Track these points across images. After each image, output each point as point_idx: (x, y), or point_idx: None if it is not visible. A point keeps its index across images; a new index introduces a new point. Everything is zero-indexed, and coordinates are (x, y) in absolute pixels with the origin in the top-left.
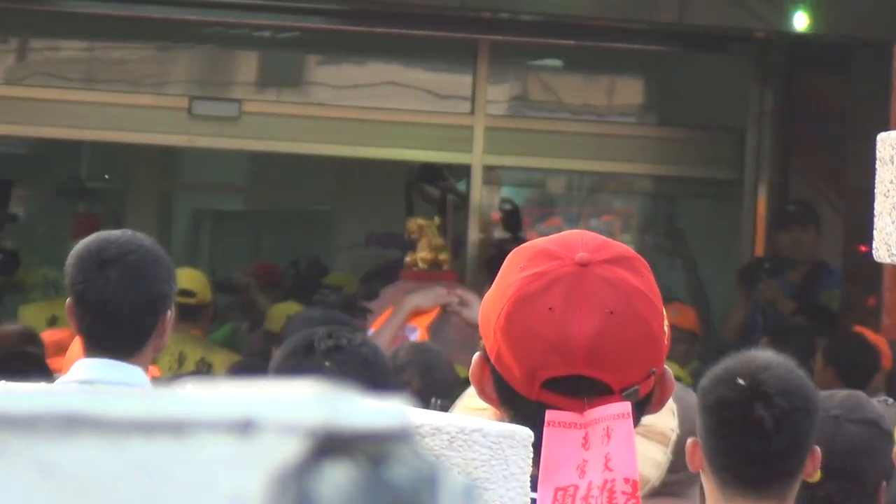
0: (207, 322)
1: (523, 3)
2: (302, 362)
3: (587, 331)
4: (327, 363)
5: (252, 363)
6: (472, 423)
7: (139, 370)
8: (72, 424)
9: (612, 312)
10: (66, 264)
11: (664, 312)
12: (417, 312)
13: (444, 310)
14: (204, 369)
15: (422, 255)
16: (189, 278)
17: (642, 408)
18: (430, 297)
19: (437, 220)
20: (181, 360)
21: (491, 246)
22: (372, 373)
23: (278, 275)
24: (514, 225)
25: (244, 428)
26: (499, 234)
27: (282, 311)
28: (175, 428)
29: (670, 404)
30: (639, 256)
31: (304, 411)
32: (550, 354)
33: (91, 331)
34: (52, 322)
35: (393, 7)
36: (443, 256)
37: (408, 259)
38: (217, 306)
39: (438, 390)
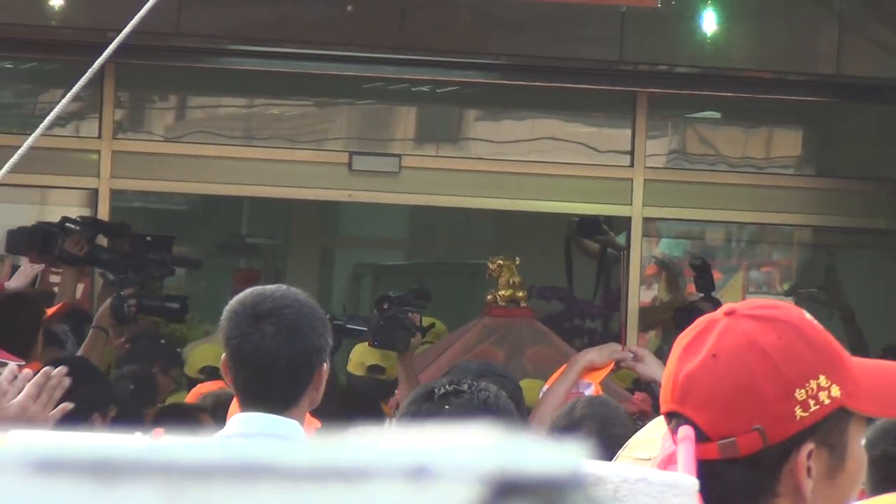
0: None
1: (681, 55)
2: (421, 408)
3: (685, 369)
4: (446, 407)
5: None
6: (637, 473)
7: (296, 424)
8: (247, 474)
9: (714, 355)
10: (220, 320)
11: (803, 383)
12: (591, 368)
13: (619, 365)
14: None
15: (501, 292)
16: None
17: (771, 472)
18: (604, 353)
19: (517, 260)
20: None
21: (680, 306)
22: (494, 415)
23: None
24: (706, 283)
25: (418, 475)
26: (663, 288)
27: (359, 351)
28: (349, 476)
29: None
30: (797, 323)
31: (478, 458)
32: (664, 391)
33: (246, 385)
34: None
35: (551, 60)
36: (520, 294)
37: (489, 297)
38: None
39: (616, 444)
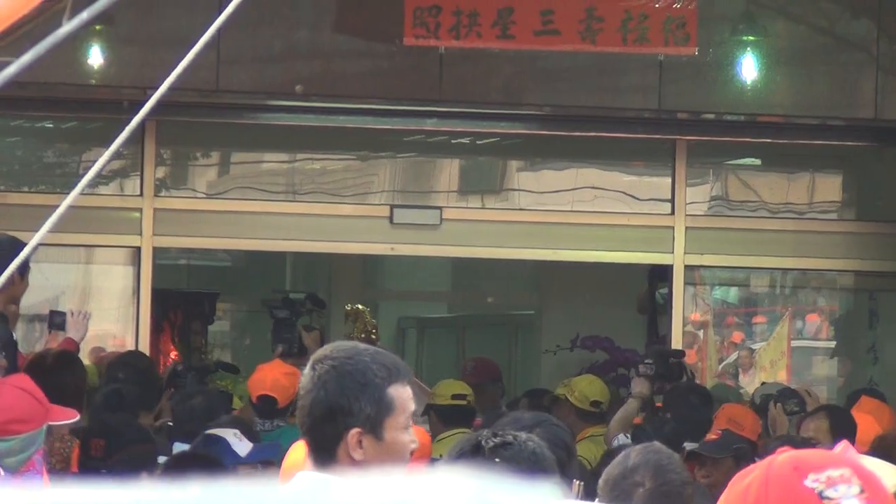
0: None
1: (720, 102)
2: (471, 462)
3: None
4: (497, 460)
5: None
6: None
7: None
8: None
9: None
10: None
11: None
12: None
13: None
14: None
15: (361, 335)
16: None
17: None
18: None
19: (367, 307)
20: None
21: None
22: (541, 467)
23: (497, 370)
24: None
25: None
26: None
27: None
28: None
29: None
30: (762, 480)
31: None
32: None
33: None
34: None
35: (590, 110)
36: (374, 336)
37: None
38: None
39: (671, 490)
